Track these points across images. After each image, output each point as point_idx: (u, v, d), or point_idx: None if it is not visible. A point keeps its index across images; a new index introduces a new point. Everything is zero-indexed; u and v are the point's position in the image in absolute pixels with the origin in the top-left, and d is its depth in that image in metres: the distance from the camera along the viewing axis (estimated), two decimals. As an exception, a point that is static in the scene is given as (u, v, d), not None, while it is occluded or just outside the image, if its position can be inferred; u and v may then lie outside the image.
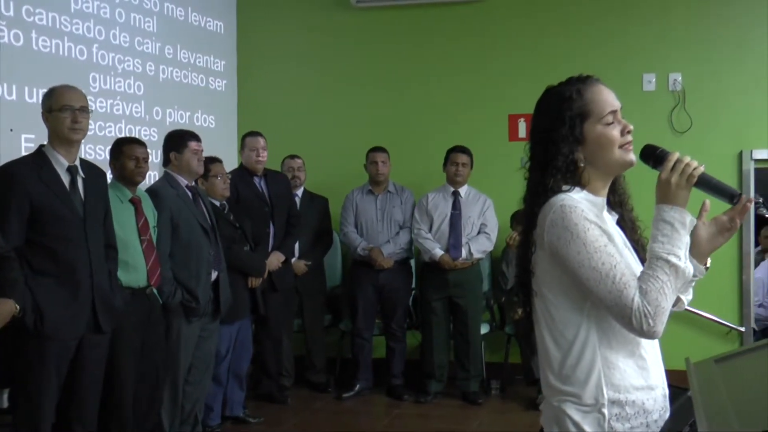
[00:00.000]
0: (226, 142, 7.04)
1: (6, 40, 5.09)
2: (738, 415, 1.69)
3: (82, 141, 4.04)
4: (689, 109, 6.65)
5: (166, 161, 5.01)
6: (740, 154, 6.60)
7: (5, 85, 5.07)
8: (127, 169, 4.51)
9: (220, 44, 7.25)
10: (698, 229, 2.03)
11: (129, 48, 6.12)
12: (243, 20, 7.51)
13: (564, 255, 1.95)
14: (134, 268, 4.40)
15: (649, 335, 1.89)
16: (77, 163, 3.98)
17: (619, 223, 2.15)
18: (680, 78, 6.68)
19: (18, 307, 3.57)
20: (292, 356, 6.44)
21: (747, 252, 6.62)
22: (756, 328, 6.79)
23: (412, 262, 6.77)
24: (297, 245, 6.39)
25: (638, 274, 1.94)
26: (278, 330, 6.07)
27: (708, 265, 2.12)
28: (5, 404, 4.40)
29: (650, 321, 1.86)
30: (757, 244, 7.46)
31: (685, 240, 1.93)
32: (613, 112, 2.05)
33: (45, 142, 3.95)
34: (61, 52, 5.51)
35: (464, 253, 6.27)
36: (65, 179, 3.91)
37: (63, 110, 3.84)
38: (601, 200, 2.07)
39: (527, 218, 2.09)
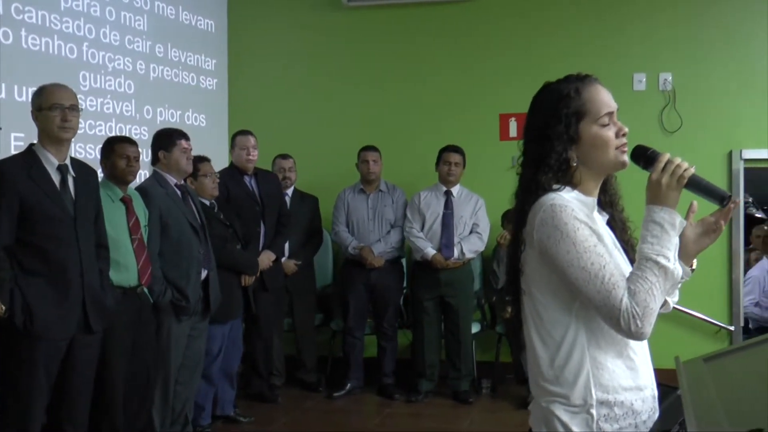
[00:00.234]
0: (216, 140, 7.03)
1: (-4, 38, 5.08)
2: (727, 414, 1.70)
3: (72, 140, 4.02)
4: (679, 109, 6.67)
5: (155, 160, 4.99)
6: (730, 154, 6.62)
7: (-5, 83, 5.06)
8: (118, 168, 4.49)
9: (210, 43, 7.24)
10: (685, 230, 2.02)
11: (119, 46, 6.10)
12: (234, 19, 7.50)
13: (553, 254, 1.94)
14: (125, 268, 4.39)
15: (637, 336, 1.89)
16: (68, 161, 3.97)
17: (609, 223, 2.15)
18: (671, 78, 6.70)
19: (4, 306, 3.56)
20: (283, 355, 6.44)
21: (736, 251, 6.64)
22: (751, 327, 6.82)
23: (404, 261, 6.77)
24: (287, 245, 6.38)
25: (627, 274, 1.93)
26: (269, 329, 6.07)
27: (694, 266, 2.12)
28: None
29: (638, 322, 1.85)
30: (747, 243, 7.48)
31: (675, 241, 1.92)
32: (610, 113, 2.04)
33: (35, 141, 3.94)
34: (51, 51, 5.49)
35: (456, 252, 6.28)
36: (55, 178, 3.89)
37: (53, 109, 3.83)
38: (592, 200, 2.06)
39: (517, 216, 2.08)
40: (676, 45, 6.75)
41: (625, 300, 1.86)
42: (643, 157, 2.03)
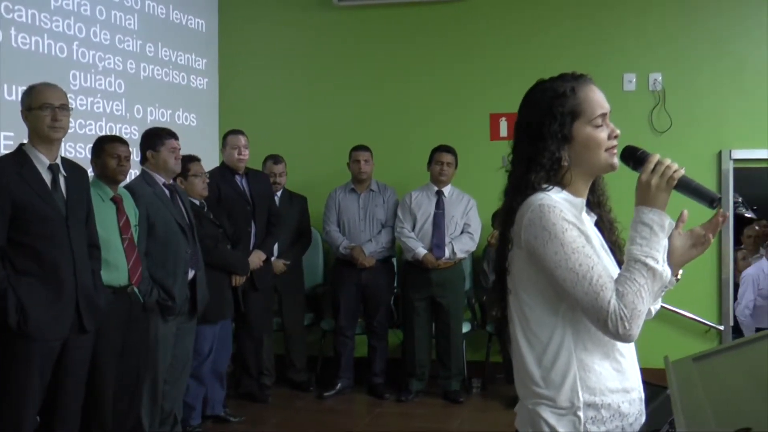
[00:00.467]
0: (207, 140, 7.02)
1: (-15, 37, 5.06)
2: (715, 414, 1.71)
3: (63, 139, 4.01)
4: (669, 109, 6.68)
5: (144, 159, 4.99)
6: (719, 154, 6.64)
7: (-16, 82, 5.05)
8: (108, 167, 4.48)
9: (201, 42, 7.23)
10: (673, 239, 2.01)
11: (110, 46, 6.09)
12: (224, 18, 7.49)
13: (541, 255, 1.92)
14: (115, 267, 4.37)
15: (625, 338, 1.86)
16: (58, 161, 3.96)
17: (597, 224, 2.13)
18: (660, 78, 6.72)
19: None
20: (273, 355, 6.44)
21: (726, 251, 6.67)
22: (744, 334, 6.83)
23: (394, 260, 6.77)
24: (276, 244, 6.39)
25: (615, 276, 1.91)
26: (259, 329, 6.07)
27: (679, 276, 2.10)
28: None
29: (626, 324, 1.83)
30: (737, 243, 7.51)
31: (664, 243, 1.91)
32: (603, 114, 2.03)
33: (25, 141, 3.93)
34: (40, 50, 5.47)
35: (447, 252, 6.28)
36: (47, 178, 3.88)
37: (43, 108, 3.82)
38: (581, 201, 2.03)
39: (506, 214, 2.06)
40: (666, 45, 6.76)
41: (613, 302, 1.84)
42: (633, 157, 2.02)
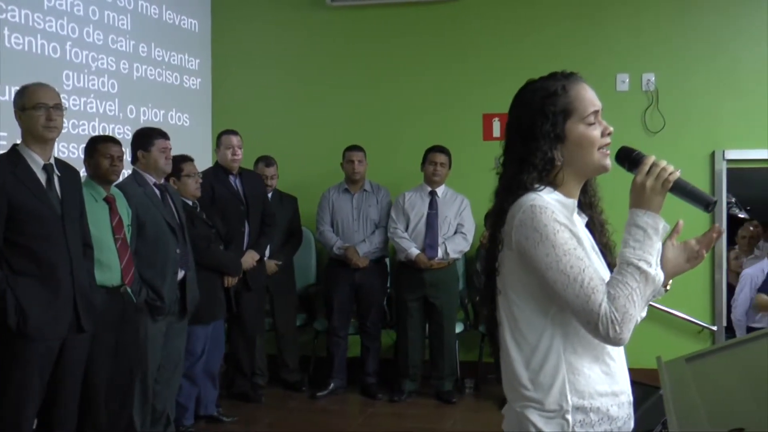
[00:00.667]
0: (200, 140, 7.01)
1: (-22, 37, 5.05)
2: (708, 414, 1.71)
3: (56, 139, 4.00)
4: (662, 110, 6.70)
5: (134, 159, 4.98)
6: (713, 155, 6.66)
7: (-23, 82, 5.03)
8: (101, 167, 4.47)
9: (194, 42, 7.21)
10: (666, 250, 1.98)
11: (103, 46, 6.07)
12: (217, 18, 7.48)
13: (532, 256, 1.90)
14: (108, 267, 4.37)
15: (615, 342, 1.83)
16: (52, 161, 3.96)
17: (588, 225, 2.11)
18: (654, 78, 6.73)
19: None
20: (265, 355, 6.43)
21: (719, 251, 6.68)
22: (737, 334, 6.83)
23: (387, 261, 6.77)
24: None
25: (606, 278, 1.89)
26: (252, 329, 6.07)
27: (668, 287, 2.09)
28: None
29: (617, 327, 1.80)
30: (730, 243, 7.52)
31: (657, 246, 1.88)
32: (595, 112, 2.01)
33: (18, 141, 3.92)
34: (34, 50, 5.46)
35: (440, 252, 6.28)
36: (41, 177, 3.88)
37: (36, 108, 3.82)
38: (572, 202, 2.01)
39: (496, 215, 2.03)
40: (660, 45, 6.78)
41: (604, 305, 1.81)
42: (628, 159, 1.99)
